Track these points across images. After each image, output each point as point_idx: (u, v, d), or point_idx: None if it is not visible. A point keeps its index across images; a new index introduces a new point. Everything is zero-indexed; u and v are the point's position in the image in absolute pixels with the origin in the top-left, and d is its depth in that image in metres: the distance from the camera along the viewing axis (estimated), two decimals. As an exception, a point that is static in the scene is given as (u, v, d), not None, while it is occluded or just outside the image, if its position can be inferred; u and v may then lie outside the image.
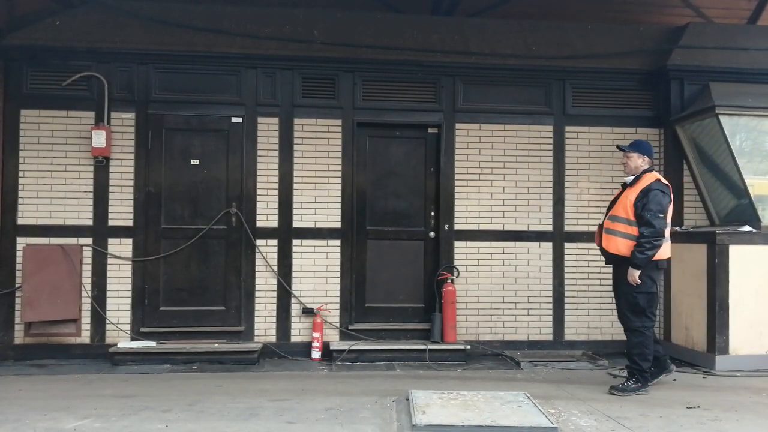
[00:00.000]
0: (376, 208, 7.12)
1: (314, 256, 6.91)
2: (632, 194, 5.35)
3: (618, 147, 5.79)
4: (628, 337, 5.45)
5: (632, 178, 5.46)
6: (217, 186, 6.86)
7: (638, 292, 5.31)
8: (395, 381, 5.77)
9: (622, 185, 5.62)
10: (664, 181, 5.46)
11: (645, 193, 5.29)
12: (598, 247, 5.68)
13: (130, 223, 6.73)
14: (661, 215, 5.23)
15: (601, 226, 5.61)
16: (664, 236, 5.30)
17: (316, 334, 6.69)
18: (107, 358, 6.40)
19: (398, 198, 7.15)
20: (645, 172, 5.45)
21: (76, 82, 6.68)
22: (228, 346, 6.55)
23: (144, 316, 6.71)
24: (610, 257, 5.50)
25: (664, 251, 5.39)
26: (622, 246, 5.32)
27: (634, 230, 5.28)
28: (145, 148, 6.77)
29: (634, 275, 5.25)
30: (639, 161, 5.46)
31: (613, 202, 5.56)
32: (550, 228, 7.18)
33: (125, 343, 6.53)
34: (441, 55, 7.10)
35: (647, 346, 5.37)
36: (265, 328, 6.82)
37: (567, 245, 7.13)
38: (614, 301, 5.72)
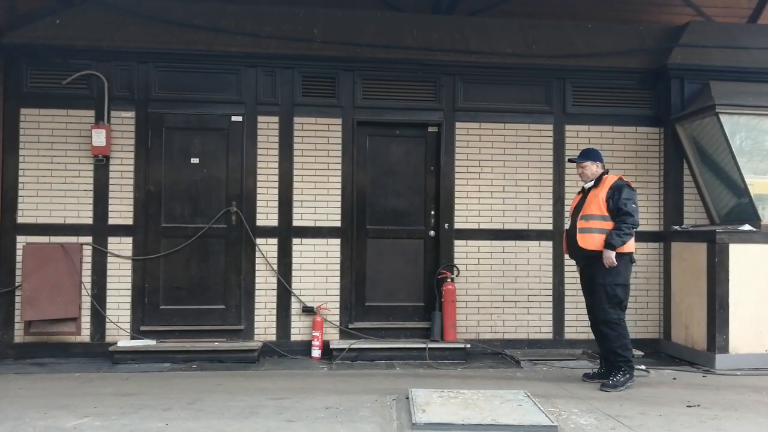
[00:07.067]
0: (376, 206, 7.12)
1: (314, 254, 6.91)
2: (602, 193, 5.57)
3: (569, 160, 6.08)
4: (606, 333, 5.54)
5: (592, 182, 5.69)
6: (217, 185, 6.86)
7: (617, 284, 5.50)
8: (395, 379, 5.78)
9: (581, 191, 5.84)
10: (627, 179, 5.72)
11: (614, 189, 5.55)
12: (567, 253, 5.95)
13: (130, 221, 6.72)
14: (634, 206, 5.47)
15: (569, 231, 5.77)
16: (638, 227, 5.54)
17: (316, 333, 6.69)
18: (107, 356, 6.39)
19: (398, 197, 7.15)
20: (604, 174, 5.70)
21: (76, 81, 6.68)
22: (228, 345, 6.55)
23: (144, 314, 6.71)
24: (587, 255, 5.57)
25: (632, 244, 5.55)
26: (600, 241, 5.49)
27: (609, 225, 5.49)
28: (145, 146, 6.76)
29: (611, 255, 5.40)
30: (594, 168, 5.72)
31: (577, 207, 5.73)
32: (550, 227, 7.17)
33: (125, 342, 6.53)
34: (441, 53, 7.10)
35: (626, 336, 5.54)
36: (265, 326, 6.82)
37: (567, 244, 7.13)
38: (585, 303, 5.85)
